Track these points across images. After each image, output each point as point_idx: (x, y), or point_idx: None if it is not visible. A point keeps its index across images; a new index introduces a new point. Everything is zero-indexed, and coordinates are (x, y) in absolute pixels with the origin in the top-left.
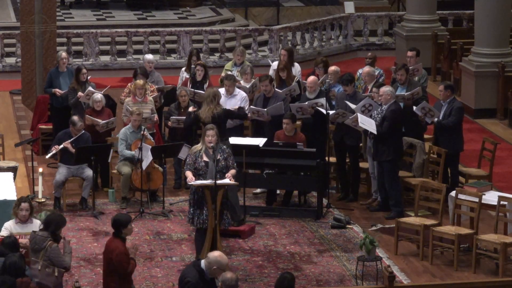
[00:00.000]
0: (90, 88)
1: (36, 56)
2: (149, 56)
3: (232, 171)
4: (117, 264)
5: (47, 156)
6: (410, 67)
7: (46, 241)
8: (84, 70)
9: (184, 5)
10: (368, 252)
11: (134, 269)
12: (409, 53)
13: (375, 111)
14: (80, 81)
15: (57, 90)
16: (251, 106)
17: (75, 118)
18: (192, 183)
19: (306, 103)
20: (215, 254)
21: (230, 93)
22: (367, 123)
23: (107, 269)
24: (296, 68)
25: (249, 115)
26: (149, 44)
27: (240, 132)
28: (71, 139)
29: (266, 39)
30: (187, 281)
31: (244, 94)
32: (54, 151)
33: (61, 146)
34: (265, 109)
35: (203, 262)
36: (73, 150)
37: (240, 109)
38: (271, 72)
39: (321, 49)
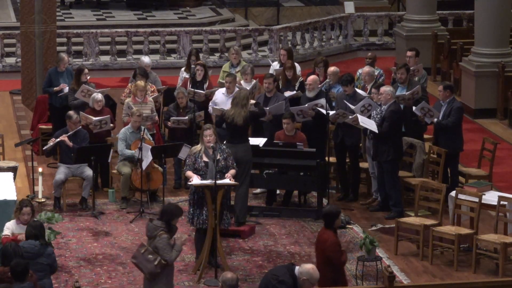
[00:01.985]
0: (84, 85)
1: (36, 56)
2: (146, 60)
3: (232, 171)
4: (330, 254)
5: (44, 148)
6: (410, 68)
7: (157, 230)
8: (86, 71)
9: (184, 5)
10: (368, 252)
11: (347, 261)
12: (409, 53)
13: (374, 111)
14: (80, 82)
15: (56, 88)
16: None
17: (71, 112)
18: (193, 183)
19: (306, 105)
20: (308, 266)
21: (231, 92)
22: (368, 123)
23: (320, 260)
24: (296, 68)
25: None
26: (149, 44)
27: None
28: (68, 134)
29: (266, 39)
30: (282, 281)
31: None
32: (51, 144)
33: (58, 139)
34: (267, 108)
35: (296, 269)
36: (71, 144)
37: (257, 104)
38: (271, 72)
39: (321, 49)
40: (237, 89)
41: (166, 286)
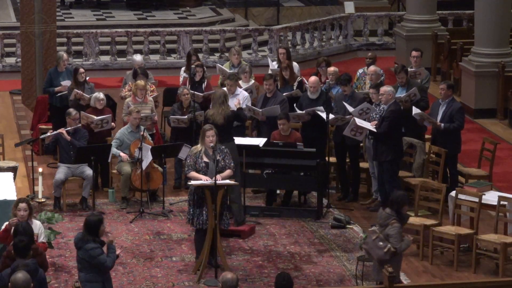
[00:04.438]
0: (75, 90)
1: (36, 56)
2: (138, 58)
3: (227, 171)
4: None
5: (41, 136)
6: (412, 70)
7: (389, 219)
8: (81, 70)
9: (184, 5)
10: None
11: None
12: (414, 53)
13: (373, 112)
14: (78, 82)
15: (57, 88)
16: (247, 104)
17: (70, 109)
18: (192, 183)
19: (304, 111)
20: None
21: (232, 93)
22: (365, 124)
23: None
24: (295, 67)
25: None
26: (149, 44)
27: (241, 132)
28: (67, 128)
29: (266, 39)
30: None
31: (246, 93)
32: (49, 134)
33: (56, 131)
34: (260, 110)
35: None
36: (69, 138)
37: (240, 110)
38: (270, 72)
39: (321, 49)
40: (238, 89)
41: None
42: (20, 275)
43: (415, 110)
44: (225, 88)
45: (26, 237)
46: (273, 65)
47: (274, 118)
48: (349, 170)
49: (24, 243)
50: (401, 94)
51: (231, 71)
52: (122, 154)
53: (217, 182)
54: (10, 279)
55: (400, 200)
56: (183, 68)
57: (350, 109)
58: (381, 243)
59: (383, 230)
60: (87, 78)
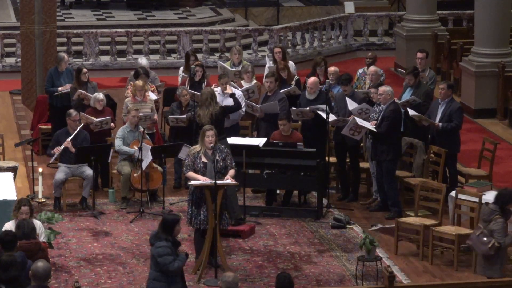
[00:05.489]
0: (79, 90)
1: (36, 56)
2: (144, 61)
3: (231, 172)
4: None
5: (51, 161)
6: (420, 69)
7: (493, 214)
8: (85, 70)
9: (184, 5)
10: (368, 252)
11: None
12: (419, 55)
13: (373, 113)
14: (81, 82)
15: (61, 88)
16: (246, 100)
17: (71, 110)
18: (192, 183)
19: (308, 108)
20: None
21: (226, 92)
22: (365, 124)
23: None
24: (292, 66)
25: (243, 108)
26: (149, 44)
27: (237, 130)
28: (70, 137)
29: (266, 39)
30: None
31: (240, 92)
32: (56, 153)
33: (62, 147)
34: (259, 106)
35: None
36: (73, 150)
37: (233, 95)
38: (266, 71)
39: (321, 49)
40: (232, 87)
41: (499, 270)
42: (41, 264)
43: (411, 112)
44: (218, 88)
45: (12, 232)
46: (270, 63)
47: (272, 115)
48: (349, 170)
49: (9, 237)
50: (408, 94)
51: (232, 69)
52: (136, 154)
53: (218, 182)
54: (31, 268)
55: (507, 197)
56: (181, 68)
57: (351, 105)
58: (485, 239)
59: (487, 226)
60: (88, 77)
